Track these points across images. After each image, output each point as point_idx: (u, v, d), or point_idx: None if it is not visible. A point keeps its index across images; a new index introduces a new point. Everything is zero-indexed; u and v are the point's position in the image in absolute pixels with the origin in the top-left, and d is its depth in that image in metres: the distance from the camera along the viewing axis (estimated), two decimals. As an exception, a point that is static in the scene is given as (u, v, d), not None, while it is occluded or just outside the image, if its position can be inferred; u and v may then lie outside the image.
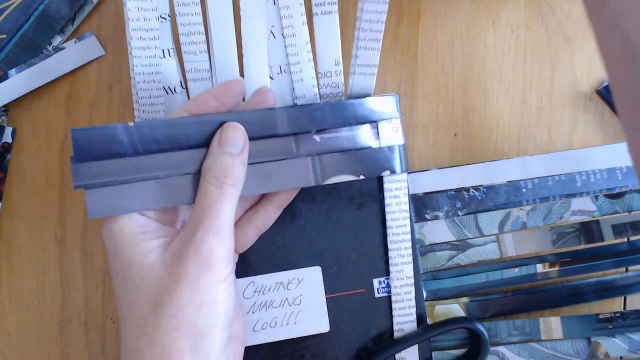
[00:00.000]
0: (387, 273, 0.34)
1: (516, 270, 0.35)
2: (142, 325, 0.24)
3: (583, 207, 0.35)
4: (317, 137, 0.30)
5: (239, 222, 0.31)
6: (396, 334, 0.34)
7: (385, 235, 0.34)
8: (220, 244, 0.25)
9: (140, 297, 0.25)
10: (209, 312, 0.24)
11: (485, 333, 0.34)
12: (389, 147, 0.32)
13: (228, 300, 0.25)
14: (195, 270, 0.24)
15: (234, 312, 0.27)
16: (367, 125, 0.32)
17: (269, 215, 0.31)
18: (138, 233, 0.26)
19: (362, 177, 0.31)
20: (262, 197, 0.32)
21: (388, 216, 0.34)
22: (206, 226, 0.25)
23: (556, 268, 0.35)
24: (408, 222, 0.34)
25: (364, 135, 0.31)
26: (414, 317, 0.34)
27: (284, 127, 0.30)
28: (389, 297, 0.34)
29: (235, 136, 0.27)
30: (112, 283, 0.26)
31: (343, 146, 0.31)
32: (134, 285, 0.25)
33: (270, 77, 0.33)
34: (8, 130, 0.35)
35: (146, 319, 0.24)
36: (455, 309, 0.35)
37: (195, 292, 0.24)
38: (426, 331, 0.34)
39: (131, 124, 0.27)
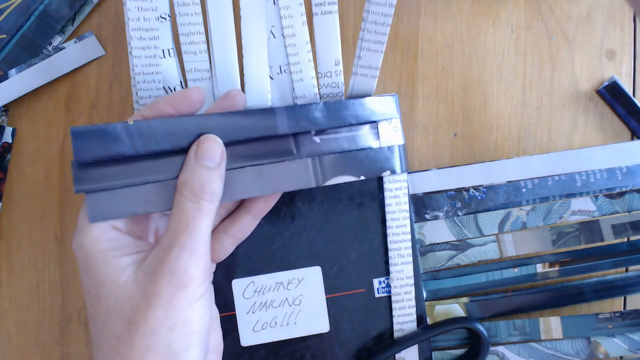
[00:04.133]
0: (387, 273, 0.34)
1: (516, 270, 0.35)
2: (115, 345, 0.24)
3: (583, 207, 0.35)
4: (316, 138, 0.30)
5: (215, 232, 0.30)
6: (396, 334, 0.34)
7: (385, 235, 0.34)
8: (196, 262, 0.24)
9: (114, 316, 0.24)
10: (183, 332, 0.24)
11: (485, 333, 0.34)
12: (389, 147, 0.32)
13: (204, 319, 0.25)
14: (170, 290, 0.24)
15: (210, 327, 0.26)
16: (367, 126, 0.32)
17: (246, 225, 0.30)
18: (110, 249, 0.25)
19: (362, 177, 0.31)
20: (240, 206, 0.31)
21: (388, 216, 0.34)
22: (182, 243, 0.24)
23: (556, 268, 0.35)
24: (408, 222, 0.34)
25: (364, 136, 0.31)
26: (414, 317, 0.34)
27: (284, 128, 0.30)
28: (389, 297, 0.34)
29: (213, 149, 0.26)
30: (85, 302, 0.25)
31: (343, 147, 0.31)
32: (107, 305, 0.24)
33: (270, 77, 0.33)
34: (8, 130, 0.35)
35: (119, 339, 0.24)
36: (455, 309, 0.35)
37: (169, 312, 0.24)
38: (426, 331, 0.34)
39: (131, 122, 0.27)
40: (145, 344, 0.23)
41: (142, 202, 0.26)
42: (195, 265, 0.24)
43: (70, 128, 0.26)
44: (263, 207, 0.30)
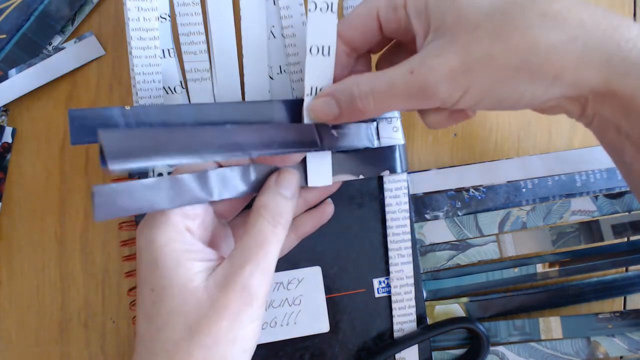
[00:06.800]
0: (387, 273, 0.34)
1: (516, 270, 0.35)
2: (171, 350, 0.23)
3: (583, 207, 0.35)
4: (334, 132, 0.29)
5: None
6: (396, 334, 0.34)
7: (385, 235, 0.34)
8: (265, 282, 0.25)
9: (176, 320, 0.24)
10: (240, 347, 0.24)
11: (485, 333, 0.34)
12: (389, 147, 0.32)
13: (257, 337, 0.25)
14: (238, 305, 0.24)
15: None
16: (367, 125, 0.32)
17: (290, 243, 0.31)
18: (184, 251, 0.25)
19: (361, 176, 0.31)
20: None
21: (388, 216, 0.34)
22: (256, 263, 0.25)
23: (556, 268, 0.35)
24: (408, 222, 0.34)
25: (364, 135, 0.31)
26: (414, 317, 0.34)
27: (281, 117, 0.30)
28: (389, 297, 0.34)
29: (291, 181, 0.27)
30: (142, 298, 0.25)
31: (353, 142, 0.30)
32: (172, 307, 0.24)
33: (270, 77, 0.33)
34: (8, 130, 0.35)
35: (178, 345, 0.23)
36: (455, 309, 0.35)
37: (233, 326, 0.24)
38: (426, 331, 0.34)
39: (128, 107, 0.27)
40: (203, 355, 0.23)
41: (151, 198, 0.25)
42: (264, 285, 0.25)
43: (68, 110, 0.26)
44: (309, 229, 0.31)
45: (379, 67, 0.31)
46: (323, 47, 0.27)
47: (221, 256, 0.26)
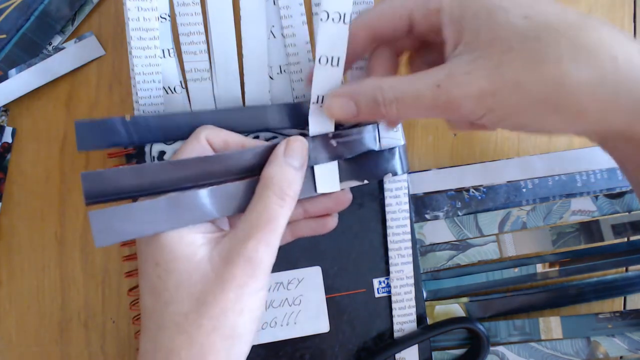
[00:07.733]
0: (387, 273, 0.34)
1: (516, 270, 0.35)
2: (181, 323, 0.24)
3: (583, 207, 0.35)
4: (333, 142, 0.29)
5: None
6: (396, 334, 0.34)
7: (385, 235, 0.34)
8: (269, 254, 0.25)
9: (183, 294, 0.24)
10: (248, 317, 0.25)
11: (485, 333, 0.34)
12: (389, 150, 0.32)
13: (263, 306, 0.26)
14: (243, 277, 0.25)
15: None
16: (369, 127, 0.32)
17: (284, 240, 0.31)
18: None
19: (365, 181, 0.31)
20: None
21: (388, 216, 0.34)
22: (260, 237, 0.25)
23: (556, 268, 0.35)
24: (408, 222, 0.34)
25: (367, 138, 0.31)
26: (414, 317, 0.34)
27: (275, 122, 0.31)
28: (389, 297, 0.34)
29: (301, 150, 0.27)
30: (146, 274, 0.25)
31: (354, 149, 0.30)
32: (178, 281, 0.25)
33: (270, 77, 0.33)
34: (8, 130, 0.35)
35: (187, 317, 0.24)
36: (455, 309, 0.35)
37: (239, 297, 0.25)
38: (426, 331, 0.34)
39: (128, 118, 0.29)
40: (213, 325, 0.24)
41: (151, 221, 0.25)
42: (268, 257, 0.25)
43: (75, 121, 0.28)
44: (304, 234, 0.31)
45: (410, 62, 0.31)
46: (332, 58, 0.27)
47: (221, 229, 0.27)
